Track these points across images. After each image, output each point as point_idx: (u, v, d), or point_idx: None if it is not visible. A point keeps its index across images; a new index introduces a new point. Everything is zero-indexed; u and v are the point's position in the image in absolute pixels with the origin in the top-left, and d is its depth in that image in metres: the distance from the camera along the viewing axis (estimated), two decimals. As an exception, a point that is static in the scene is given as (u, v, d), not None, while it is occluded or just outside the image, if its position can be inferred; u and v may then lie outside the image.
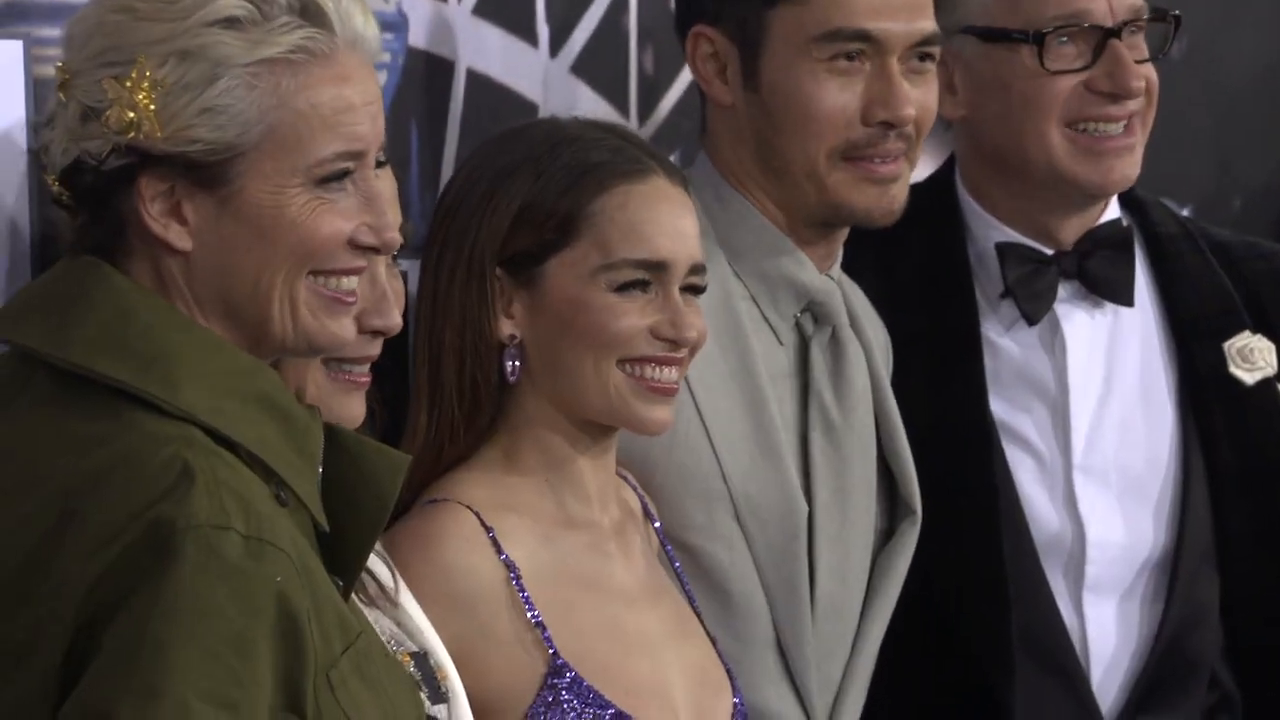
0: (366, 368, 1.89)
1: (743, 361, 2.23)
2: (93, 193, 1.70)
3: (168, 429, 1.63)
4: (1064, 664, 2.40)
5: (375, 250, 1.75)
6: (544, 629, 2.00)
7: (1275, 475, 2.48)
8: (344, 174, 1.71)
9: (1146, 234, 2.50)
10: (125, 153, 1.67)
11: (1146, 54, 2.38)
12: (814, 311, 2.23)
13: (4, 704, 1.63)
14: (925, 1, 2.20)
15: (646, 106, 2.77)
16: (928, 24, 2.17)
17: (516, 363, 2.06)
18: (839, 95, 2.18)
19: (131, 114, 1.66)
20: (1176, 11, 2.45)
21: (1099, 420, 2.44)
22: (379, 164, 1.77)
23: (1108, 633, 2.41)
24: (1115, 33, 2.35)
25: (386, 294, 1.88)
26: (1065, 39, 2.38)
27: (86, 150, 1.68)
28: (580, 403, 2.05)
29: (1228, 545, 2.44)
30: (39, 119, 1.92)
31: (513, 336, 2.05)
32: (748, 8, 2.20)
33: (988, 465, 2.41)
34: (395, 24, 2.41)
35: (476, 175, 2.14)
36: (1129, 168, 2.40)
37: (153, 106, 1.67)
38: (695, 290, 2.09)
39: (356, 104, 1.71)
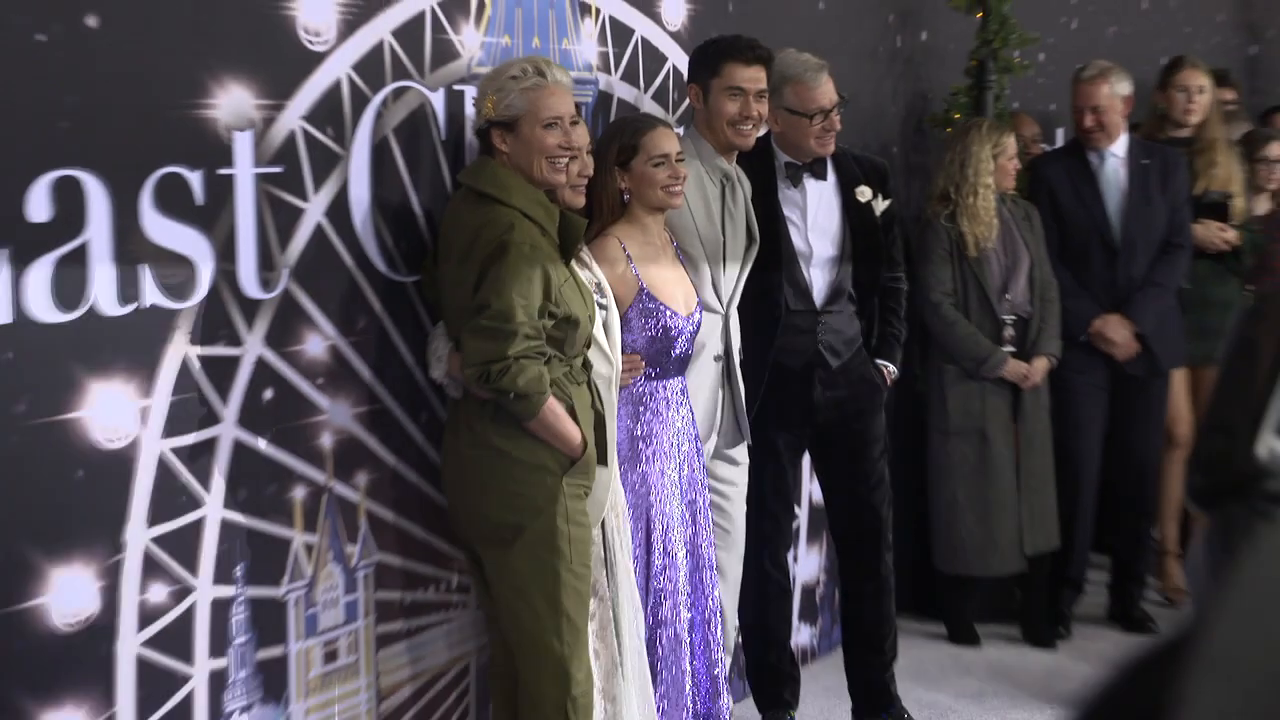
0: (583, 188, 3.41)
1: (703, 193, 3.78)
2: (483, 136, 3.23)
3: (507, 211, 3.08)
4: (803, 289, 4.14)
5: (571, 149, 3.19)
6: (639, 275, 3.58)
7: (868, 231, 4.21)
8: (557, 123, 3.16)
9: (831, 155, 4.21)
10: (488, 124, 3.16)
11: (838, 111, 3.98)
12: (727, 177, 3.85)
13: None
14: (764, 76, 3.80)
15: (675, 109, 4.21)
16: (764, 84, 3.82)
17: (628, 196, 3.57)
18: (731, 107, 3.79)
19: (489, 109, 3.13)
20: (846, 94, 4.05)
21: (816, 214, 4.17)
22: (574, 122, 3.20)
23: (820, 282, 4.16)
24: (831, 110, 4.00)
25: (586, 165, 3.34)
26: (817, 113, 3.97)
27: (481, 121, 3.14)
28: (650, 204, 3.60)
29: (855, 253, 4.21)
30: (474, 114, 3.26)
31: (626, 188, 3.57)
32: (706, 77, 3.82)
33: (778, 228, 4.10)
34: (592, 82, 3.79)
35: (602, 146, 3.55)
36: (833, 145, 4.07)
37: (492, 107, 3.13)
38: (681, 160, 3.52)
39: (559, 100, 3.19)
